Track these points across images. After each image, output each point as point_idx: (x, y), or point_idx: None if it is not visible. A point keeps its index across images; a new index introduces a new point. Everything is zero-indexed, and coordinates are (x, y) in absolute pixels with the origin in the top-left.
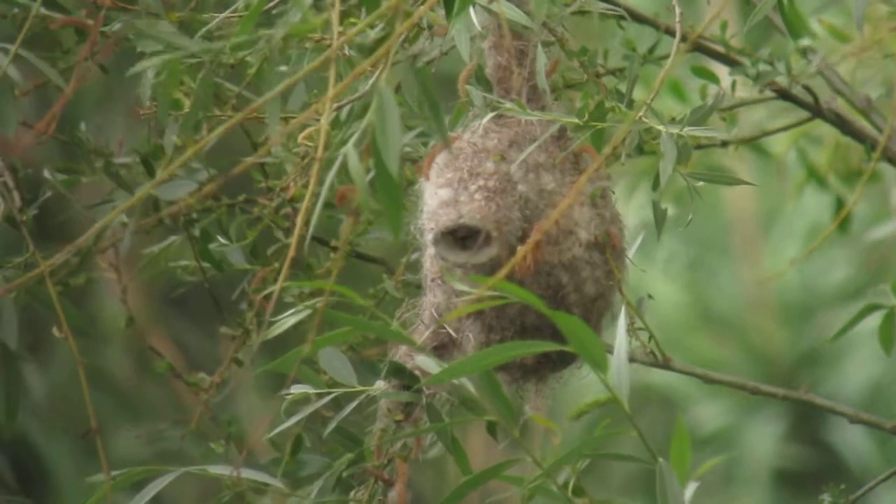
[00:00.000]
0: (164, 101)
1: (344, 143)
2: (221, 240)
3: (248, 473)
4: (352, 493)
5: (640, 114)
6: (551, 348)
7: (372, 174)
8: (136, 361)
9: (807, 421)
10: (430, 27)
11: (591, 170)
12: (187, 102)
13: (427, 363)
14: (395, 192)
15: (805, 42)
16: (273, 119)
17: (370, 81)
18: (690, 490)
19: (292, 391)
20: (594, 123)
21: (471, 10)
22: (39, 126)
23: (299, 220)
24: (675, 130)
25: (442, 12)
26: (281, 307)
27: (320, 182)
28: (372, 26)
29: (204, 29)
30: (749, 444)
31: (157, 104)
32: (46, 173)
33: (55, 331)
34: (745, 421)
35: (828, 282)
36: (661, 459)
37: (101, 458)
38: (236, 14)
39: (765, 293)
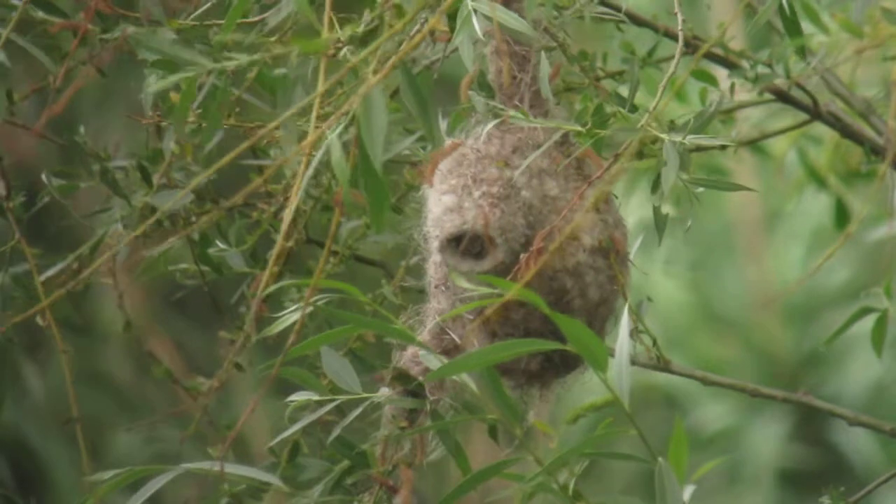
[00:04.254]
0: (180, 118)
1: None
2: (220, 244)
3: (248, 472)
4: (356, 501)
5: (644, 122)
6: (552, 347)
7: None
8: (136, 363)
9: (810, 421)
10: (432, 33)
11: (598, 181)
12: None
13: (428, 358)
14: (379, 185)
15: (816, 38)
16: (289, 138)
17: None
18: (689, 491)
19: (296, 398)
20: (597, 130)
21: (473, 16)
22: (37, 127)
23: (287, 213)
24: (677, 139)
25: (443, 18)
26: (280, 311)
27: (305, 174)
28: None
29: (199, 23)
30: (753, 445)
31: (172, 120)
32: (44, 178)
33: (38, 320)
34: (748, 421)
35: (831, 282)
36: (660, 459)
37: (82, 449)
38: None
39: (768, 294)
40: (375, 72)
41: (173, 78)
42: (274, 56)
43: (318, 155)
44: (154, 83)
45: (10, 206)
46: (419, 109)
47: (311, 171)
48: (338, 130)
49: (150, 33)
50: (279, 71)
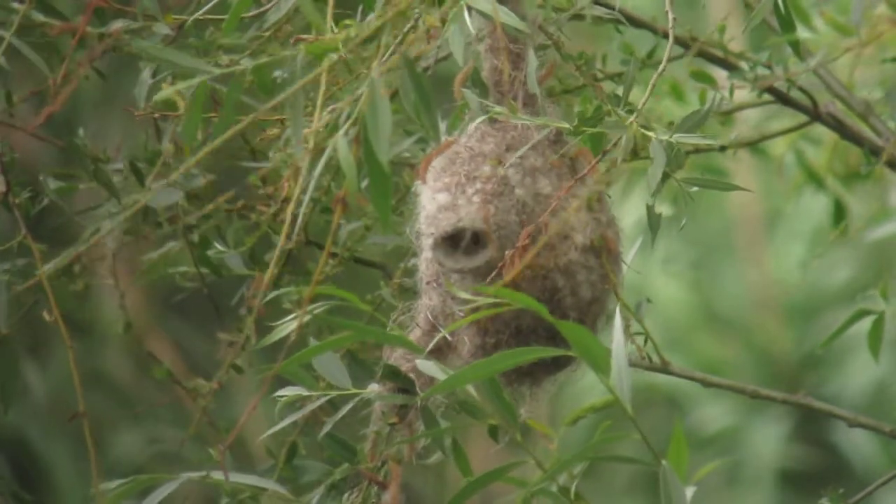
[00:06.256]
0: (192, 126)
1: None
2: (219, 246)
3: (249, 479)
4: (345, 496)
5: (633, 119)
6: (555, 354)
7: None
8: (136, 364)
9: (811, 422)
10: (427, 31)
11: (589, 178)
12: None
13: (428, 367)
14: (385, 181)
15: (804, 35)
16: (296, 132)
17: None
18: (689, 492)
19: (285, 393)
20: (586, 127)
21: (465, 12)
22: (32, 126)
23: (288, 210)
24: (664, 137)
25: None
26: (279, 313)
27: (310, 174)
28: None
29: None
30: (753, 445)
31: (184, 128)
32: (42, 179)
33: (45, 315)
34: (749, 421)
35: (831, 282)
36: (664, 462)
37: (88, 445)
38: (220, 17)
39: (769, 294)
40: (379, 69)
41: (180, 86)
42: (278, 58)
43: (325, 155)
44: (147, 78)
45: (16, 201)
46: (423, 107)
47: (318, 172)
48: (344, 129)
49: (145, 30)
50: (277, 73)
